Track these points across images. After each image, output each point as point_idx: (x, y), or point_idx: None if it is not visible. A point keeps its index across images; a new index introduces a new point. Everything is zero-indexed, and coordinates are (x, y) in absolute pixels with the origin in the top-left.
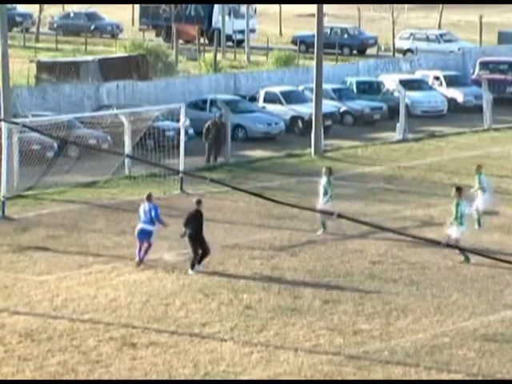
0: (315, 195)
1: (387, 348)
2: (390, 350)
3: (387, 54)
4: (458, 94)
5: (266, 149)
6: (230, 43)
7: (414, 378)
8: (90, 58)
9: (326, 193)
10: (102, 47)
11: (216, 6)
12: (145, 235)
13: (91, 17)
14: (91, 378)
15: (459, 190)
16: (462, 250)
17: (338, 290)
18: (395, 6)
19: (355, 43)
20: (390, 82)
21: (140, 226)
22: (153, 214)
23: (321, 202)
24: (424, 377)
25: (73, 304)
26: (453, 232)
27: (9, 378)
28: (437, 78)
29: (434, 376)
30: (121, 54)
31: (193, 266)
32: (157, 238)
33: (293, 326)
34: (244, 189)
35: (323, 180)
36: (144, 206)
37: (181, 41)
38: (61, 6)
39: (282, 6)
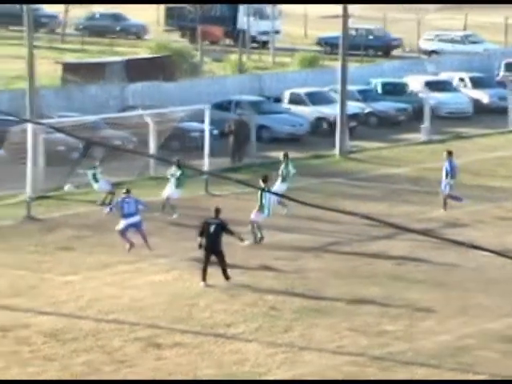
0: (340, 196)
1: (411, 349)
2: (414, 352)
3: (412, 56)
4: (483, 96)
5: (291, 150)
6: (254, 44)
7: (437, 379)
8: (115, 58)
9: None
10: (128, 48)
11: (241, 7)
12: (138, 225)
13: (117, 18)
14: (116, 378)
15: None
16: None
17: (362, 291)
18: (420, 7)
19: (380, 44)
20: (414, 83)
21: (130, 220)
22: (140, 205)
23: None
24: (448, 378)
25: (98, 304)
26: None
27: (34, 378)
28: (462, 80)
29: (458, 377)
30: (146, 54)
31: (204, 277)
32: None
33: (317, 327)
34: (272, 191)
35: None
36: (124, 200)
37: (206, 42)
38: (87, 6)
39: (307, 7)
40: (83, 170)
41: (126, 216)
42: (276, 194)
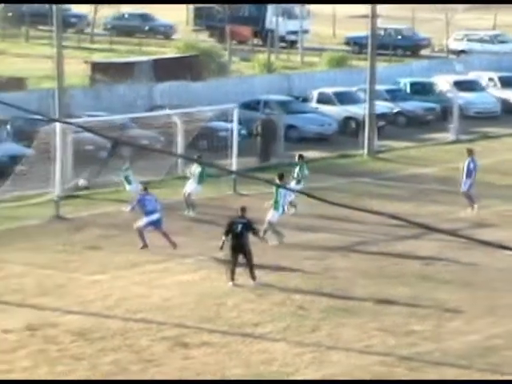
0: (367, 196)
1: (439, 349)
2: (443, 352)
3: (441, 55)
4: (511, 95)
5: (319, 149)
6: (283, 44)
7: (466, 379)
8: (143, 58)
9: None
10: (156, 48)
11: (270, 7)
12: (158, 223)
13: (145, 18)
14: (143, 377)
15: None
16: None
17: (390, 291)
18: (449, 6)
19: (408, 44)
20: (443, 82)
21: (152, 217)
22: (158, 204)
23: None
24: (477, 378)
25: (126, 303)
26: None
27: (62, 377)
28: (491, 79)
29: (487, 378)
30: (174, 54)
31: (231, 277)
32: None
33: (345, 327)
34: (299, 190)
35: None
36: (145, 198)
37: (234, 41)
38: (115, 6)
39: (336, 6)
40: (118, 172)
41: (148, 213)
42: (295, 190)
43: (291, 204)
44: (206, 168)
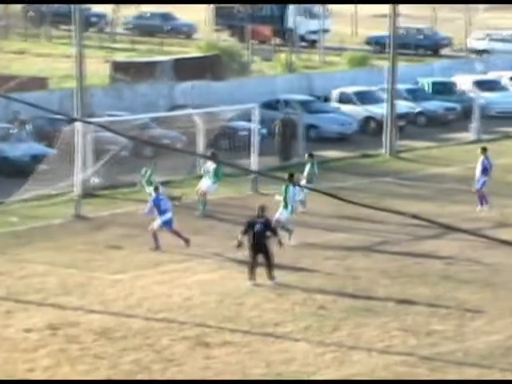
0: (389, 196)
1: (461, 349)
2: (464, 352)
3: (461, 55)
4: None
5: (340, 149)
6: (303, 43)
7: (488, 379)
8: (164, 58)
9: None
10: (177, 47)
11: (290, 7)
12: (170, 223)
13: (166, 17)
14: (165, 376)
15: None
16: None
17: (411, 291)
18: (470, 6)
19: (429, 43)
20: (464, 82)
21: (165, 216)
22: (169, 203)
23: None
24: (499, 378)
25: (147, 303)
26: None
27: (84, 376)
28: (511, 79)
29: (509, 378)
30: (195, 54)
31: (251, 276)
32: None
33: (366, 327)
34: (317, 188)
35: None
36: (159, 197)
37: (255, 41)
38: (136, 6)
39: (357, 6)
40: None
41: (163, 212)
42: (308, 187)
43: (301, 203)
44: (222, 166)
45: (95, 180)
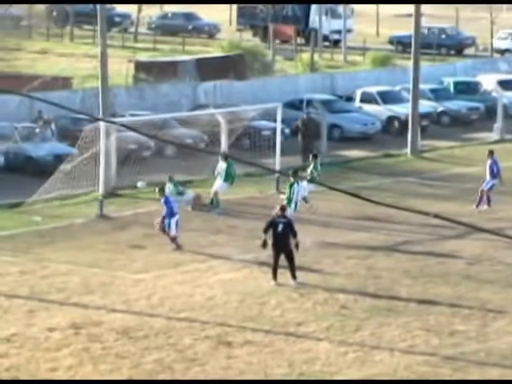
0: (411, 195)
1: (483, 349)
2: (487, 352)
3: (485, 54)
4: None
5: (362, 149)
6: (326, 43)
7: (510, 379)
8: (187, 57)
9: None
10: (200, 47)
11: (313, 7)
12: (177, 223)
13: (189, 17)
14: (187, 376)
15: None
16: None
17: (433, 291)
18: (493, 5)
19: (453, 43)
20: (487, 82)
21: (176, 217)
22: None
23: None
24: None
25: (169, 302)
26: None
27: (106, 376)
28: None
29: None
30: (218, 53)
31: (274, 276)
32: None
33: (388, 326)
34: (340, 188)
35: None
36: (169, 200)
37: (278, 41)
38: (159, 6)
39: (380, 6)
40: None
41: (174, 214)
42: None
43: (305, 200)
44: (233, 166)
45: (142, 183)
